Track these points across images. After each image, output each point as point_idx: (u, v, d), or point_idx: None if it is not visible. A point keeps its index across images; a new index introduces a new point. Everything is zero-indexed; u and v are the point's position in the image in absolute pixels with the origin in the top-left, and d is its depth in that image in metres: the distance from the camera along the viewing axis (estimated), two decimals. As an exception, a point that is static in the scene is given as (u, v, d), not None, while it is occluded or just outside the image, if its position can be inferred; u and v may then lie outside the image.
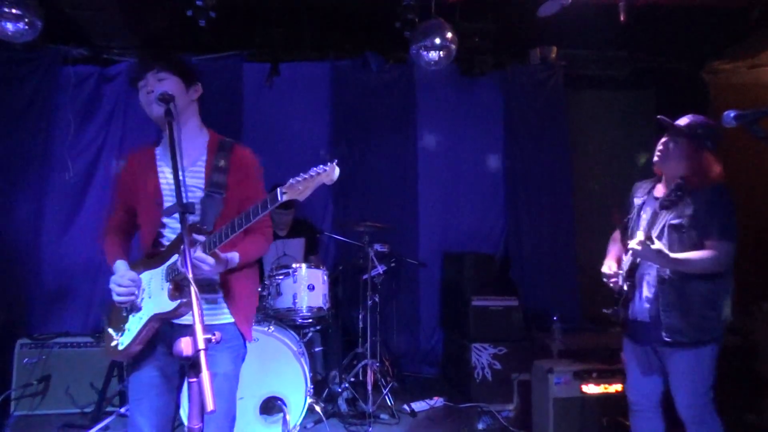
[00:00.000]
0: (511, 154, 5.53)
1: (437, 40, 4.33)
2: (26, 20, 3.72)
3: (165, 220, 2.14)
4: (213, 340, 1.72)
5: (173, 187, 1.99)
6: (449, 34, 4.36)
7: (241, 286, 2.18)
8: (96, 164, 4.89)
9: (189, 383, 1.67)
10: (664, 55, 5.54)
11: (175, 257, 2.03)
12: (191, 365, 1.67)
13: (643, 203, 2.71)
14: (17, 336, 4.14)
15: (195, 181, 2.14)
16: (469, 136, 5.58)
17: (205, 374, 1.59)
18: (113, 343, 2.11)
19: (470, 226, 5.52)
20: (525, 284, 5.25)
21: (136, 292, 2.08)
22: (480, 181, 5.59)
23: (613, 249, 2.88)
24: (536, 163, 5.43)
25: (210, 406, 1.57)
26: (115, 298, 2.09)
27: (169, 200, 2.12)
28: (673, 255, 2.41)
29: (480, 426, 3.95)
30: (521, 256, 5.40)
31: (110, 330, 2.15)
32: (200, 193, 2.11)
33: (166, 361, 2.11)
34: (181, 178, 1.95)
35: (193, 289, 1.71)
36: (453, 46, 4.39)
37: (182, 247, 1.83)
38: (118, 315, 2.15)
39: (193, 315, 1.65)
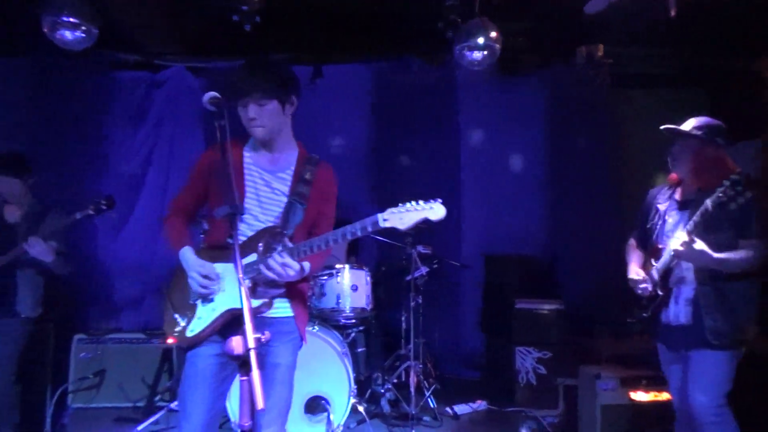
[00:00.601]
0: (555, 155, 5.44)
1: (481, 40, 4.29)
2: (83, 28, 3.86)
3: (245, 216, 2.19)
4: (262, 340, 1.76)
5: (258, 184, 2.20)
6: (493, 34, 4.31)
7: (301, 287, 2.29)
8: (147, 167, 5.06)
9: (240, 381, 1.71)
10: (716, 51, 5.35)
11: (253, 256, 2.11)
12: (242, 364, 1.71)
13: (667, 208, 2.71)
14: (74, 331, 4.32)
15: (281, 186, 2.23)
16: (511, 137, 5.51)
17: (255, 373, 1.62)
18: (178, 328, 2.17)
19: (513, 228, 5.45)
20: (570, 287, 5.14)
21: (213, 282, 2.13)
22: (523, 183, 5.52)
23: (634, 255, 2.90)
24: (581, 164, 5.33)
25: (260, 404, 1.60)
26: (195, 286, 2.14)
27: (251, 196, 2.21)
28: (716, 255, 2.40)
29: (523, 431, 3.90)
30: (566, 258, 5.30)
31: (176, 315, 2.20)
32: (284, 199, 2.21)
33: (223, 353, 2.17)
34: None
35: (244, 289, 1.76)
36: (497, 46, 4.34)
37: (263, 248, 2.06)
38: (184, 301, 2.20)
39: (243, 315, 1.69)
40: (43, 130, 4.90)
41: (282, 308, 2.22)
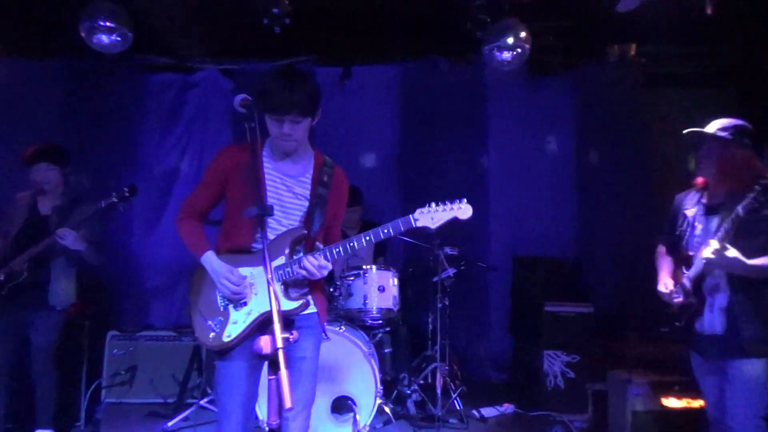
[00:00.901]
0: (585, 157, 5.36)
1: (510, 40, 4.27)
2: (119, 32, 3.98)
3: (267, 220, 2.19)
4: (291, 340, 1.79)
5: (280, 190, 2.25)
6: (523, 34, 4.29)
7: (321, 284, 2.37)
8: (179, 166, 5.17)
9: (268, 380, 1.74)
10: (750, 50, 5.20)
11: (282, 259, 2.18)
12: (270, 363, 1.73)
13: (696, 213, 2.63)
14: (108, 328, 4.43)
15: (302, 190, 2.29)
16: (540, 138, 5.46)
17: (283, 372, 1.65)
18: (212, 334, 2.20)
19: (541, 230, 5.39)
20: (599, 290, 5.07)
21: (243, 287, 2.18)
22: (551, 184, 5.46)
23: (664, 263, 2.81)
24: (611, 165, 5.24)
25: (288, 403, 1.63)
26: (226, 293, 2.18)
27: (272, 201, 2.24)
28: (749, 261, 2.33)
29: (551, 435, 3.86)
30: (595, 261, 5.23)
31: (209, 321, 2.22)
32: (306, 203, 2.27)
33: (252, 353, 2.19)
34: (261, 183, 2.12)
35: (272, 289, 1.80)
36: (527, 46, 4.32)
37: (289, 250, 2.15)
38: (212, 305, 2.24)
39: (272, 315, 1.72)
40: (79, 130, 5.05)
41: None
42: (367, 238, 2.13)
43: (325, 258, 2.14)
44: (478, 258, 4.94)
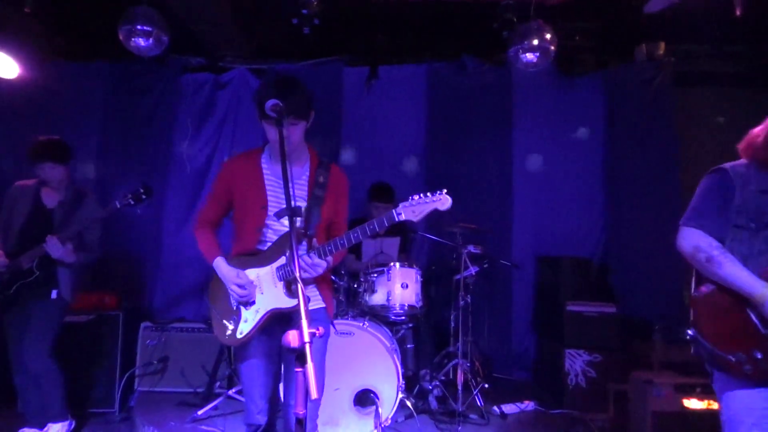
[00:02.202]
0: (613, 156, 5.34)
1: (536, 42, 4.28)
2: (154, 36, 4.12)
3: (269, 222, 2.38)
4: (317, 334, 1.87)
5: (278, 192, 2.37)
6: (548, 36, 4.30)
7: (327, 279, 2.55)
8: (210, 164, 5.30)
9: (295, 372, 1.82)
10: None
11: (282, 259, 2.33)
12: (298, 356, 1.82)
13: None
14: (141, 319, 4.59)
15: (299, 192, 2.43)
16: (567, 138, 5.45)
17: (309, 365, 1.73)
18: (228, 332, 2.42)
19: (566, 230, 5.39)
20: (625, 291, 5.06)
21: (249, 288, 2.38)
22: (578, 184, 5.44)
23: (741, 268, 1.95)
24: (640, 166, 5.20)
25: (314, 394, 1.71)
26: (234, 296, 2.39)
27: (273, 205, 2.37)
28: None
29: (571, 434, 3.88)
30: (622, 261, 5.20)
31: (224, 321, 2.44)
32: (303, 203, 2.39)
33: (270, 347, 2.42)
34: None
35: (300, 286, 1.89)
36: (552, 48, 4.32)
37: (290, 248, 2.11)
38: (226, 305, 2.45)
39: (299, 311, 1.81)
40: (119, 130, 5.24)
41: (314, 301, 2.44)
42: (356, 234, 2.23)
43: (318, 256, 2.26)
44: (502, 256, 4.97)
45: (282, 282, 2.34)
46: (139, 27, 4.02)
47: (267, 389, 2.44)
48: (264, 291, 2.37)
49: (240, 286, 2.36)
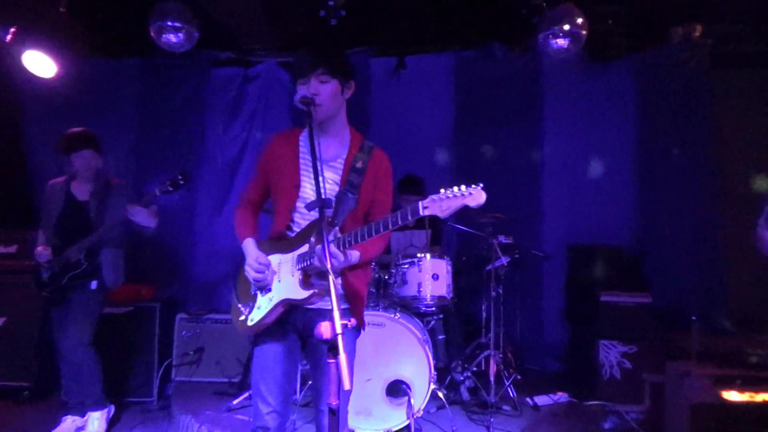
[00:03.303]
0: (646, 143, 5.21)
1: (566, 27, 4.20)
2: (185, 31, 4.17)
3: (298, 204, 2.24)
4: (349, 326, 1.87)
5: (312, 173, 2.14)
6: (579, 20, 4.21)
7: (355, 280, 2.27)
8: (241, 157, 5.37)
9: (327, 364, 1.83)
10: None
11: (305, 248, 2.16)
12: (330, 347, 1.83)
13: None
14: (177, 311, 4.68)
15: (332, 175, 2.25)
16: (598, 125, 5.33)
17: (342, 356, 1.73)
18: (241, 318, 2.29)
19: (598, 218, 5.29)
20: (659, 281, 4.95)
21: (266, 272, 2.22)
22: (609, 171, 5.33)
23: None
24: (675, 152, 5.07)
25: (347, 385, 1.71)
26: (250, 276, 2.24)
27: (306, 186, 2.23)
28: None
29: (606, 425, 3.83)
30: (656, 250, 5.09)
31: (240, 305, 2.32)
32: (336, 188, 2.22)
33: (290, 339, 2.28)
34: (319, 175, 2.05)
35: (332, 278, 1.83)
36: (583, 32, 4.23)
37: (315, 239, 2.08)
38: (247, 291, 2.31)
39: (331, 302, 1.76)
40: (150, 123, 5.35)
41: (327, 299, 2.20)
42: (377, 226, 2.04)
43: (336, 246, 2.07)
44: (533, 246, 4.91)
45: (299, 271, 2.17)
46: (169, 23, 4.08)
47: (280, 388, 2.24)
48: (282, 279, 2.22)
49: (253, 268, 2.21)
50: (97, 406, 3.71)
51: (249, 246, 2.29)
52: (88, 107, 5.05)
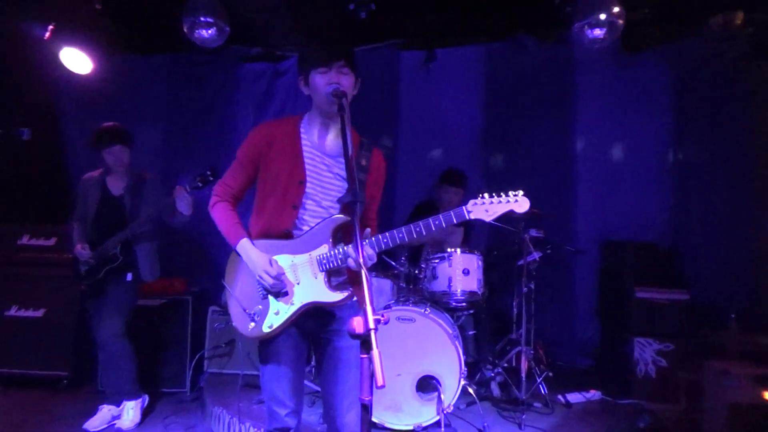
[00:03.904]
0: (682, 137, 5.07)
1: (602, 16, 4.09)
2: (216, 27, 4.21)
3: (305, 201, 2.15)
4: (382, 321, 1.85)
5: (319, 168, 2.16)
6: (616, 9, 4.10)
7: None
8: (269, 153, 5.38)
9: (361, 359, 1.82)
10: None
11: (324, 248, 2.11)
12: (363, 343, 1.82)
13: None
14: (209, 303, 4.73)
15: (341, 171, 2.21)
16: (633, 117, 5.20)
17: (375, 352, 1.71)
18: (251, 324, 2.16)
19: (632, 214, 5.17)
20: (696, 277, 4.81)
21: (285, 281, 2.14)
22: (644, 166, 5.20)
23: None
24: (713, 147, 4.90)
25: (380, 381, 1.68)
26: (264, 285, 2.13)
27: (313, 182, 2.15)
28: None
29: (641, 424, 3.75)
30: (692, 246, 4.95)
31: (247, 311, 2.17)
32: (345, 184, 2.17)
33: (299, 338, 2.22)
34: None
35: (364, 273, 1.79)
36: (620, 21, 4.12)
37: (333, 239, 2.05)
38: (252, 295, 2.18)
39: (364, 297, 1.73)
40: (179, 119, 5.41)
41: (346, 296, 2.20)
42: (417, 229, 2.03)
43: (372, 248, 2.05)
44: (565, 241, 4.83)
45: (323, 273, 2.12)
46: (202, 18, 4.12)
47: (296, 388, 2.21)
48: (301, 281, 2.13)
49: (270, 275, 2.10)
50: (131, 396, 3.79)
51: (250, 248, 2.15)
52: (121, 103, 5.13)
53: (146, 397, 3.94)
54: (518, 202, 2.03)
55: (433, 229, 2.03)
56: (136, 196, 3.79)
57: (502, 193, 2.04)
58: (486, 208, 2.03)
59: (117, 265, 3.72)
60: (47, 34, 4.13)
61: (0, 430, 3.68)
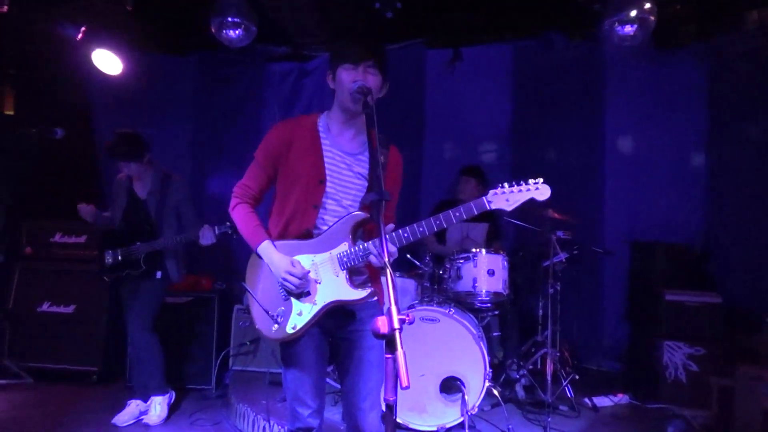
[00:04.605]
0: (716, 136, 4.94)
1: (633, 13, 4.01)
2: (244, 26, 4.25)
3: (326, 200, 2.12)
4: (406, 321, 1.83)
5: (340, 167, 2.13)
6: (647, 5, 4.01)
7: (378, 270, 2.16)
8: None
9: (386, 359, 1.81)
10: None
11: (344, 246, 2.08)
12: (387, 343, 1.80)
13: None
14: (235, 302, 4.78)
15: (361, 169, 2.18)
16: (664, 117, 5.09)
17: (400, 352, 1.68)
18: (275, 327, 2.13)
19: (663, 215, 5.07)
20: (728, 279, 4.70)
21: (308, 282, 2.11)
22: (676, 167, 5.09)
23: None
24: (748, 147, 4.77)
25: (405, 382, 1.66)
26: (288, 286, 2.10)
27: (335, 181, 2.13)
28: None
29: (670, 430, 3.66)
30: (724, 248, 4.83)
31: (270, 312, 2.14)
32: (364, 183, 2.16)
33: (321, 339, 2.19)
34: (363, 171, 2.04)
35: (389, 271, 1.74)
36: (651, 18, 4.03)
37: (353, 236, 2.03)
38: (273, 296, 2.15)
39: (388, 297, 1.69)
40: (207, 118, 5.48)
41: (366, 294, 2.15)
42: (438, 222, 1.99)
43: (393, 243, 2.01)
44: (592, 242, 4.76)
45: (345, 271, 2.09)
46: (229, 19, 4.16)
47: (318, 389, 2.19)
48: (322, 281, 2.11)
49: (295, 276, 2.06)
50: (159, 391, 3.85)
51: (272, 251, 2.12)
52: (150, 103, 5.23)
53: (173, 393, 3.99)
54: (539, 190, 2.00)
55: (454, 220, 2.00)
56: (160, 199, 3.84)
57: (522, 182, 2.01)
58: (507, 197, 2.01)
59: (138, 272, 3.76)
60: (80, 36, 4.21)
61: (31, 423, 3.77)
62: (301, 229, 2.14)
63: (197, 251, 3.92)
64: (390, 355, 1.77)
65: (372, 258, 2.04)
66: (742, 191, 4.80)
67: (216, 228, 3.63)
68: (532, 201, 2.01)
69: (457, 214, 2.00)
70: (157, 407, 3.83)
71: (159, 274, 3.82)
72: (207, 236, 3.64)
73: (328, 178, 2.12)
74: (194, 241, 3.73)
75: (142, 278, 3.79)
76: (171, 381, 3.99)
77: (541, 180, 2.01)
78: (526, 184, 2.01)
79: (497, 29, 5.23)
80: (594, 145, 5.16)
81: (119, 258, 3.80)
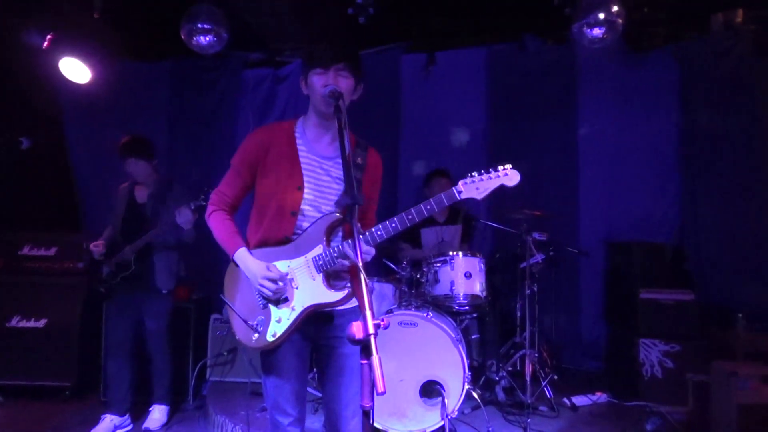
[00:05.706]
0: (689, 136, 5.03)
1: (601, 16, 4.08)
2: (214, 32, 4.21)
3: (304, 206, 2.10)
4: (381, 326, 1.81)
5: (317, 173, 2.11)
6: (615, 8, 4.08)
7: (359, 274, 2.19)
8: (272, 158, 5.39)
9: (361, 365, 1.79)
10: None
11: (319, 248, 2.06)
12: (363, 348, 1.78)
13: None
14: (211, 311, 4.71)
15: (339, 173, 2.15)
16: (637, 117, 5.16)
17: (375, 357, 1.67)
18: (255, 336, 2.10)
19: (638, 214, 5.14)
20: (702, 277, 4.78)
21: (285, 287, 2.08)
22: (650, 166, 5.16)
23: None
24: (718, 145, 4.87)
25: (380, 387, 1.64)
26: (265, 293, 2.07)
27: (310, 187, 2.11)
28: None
29: (648, 427, 3.70)
30: (699, 246, 4.91)
31: (249, 322, 2.12)
32: (343, 186, 2.12)
33: (302, 346, 2.16)
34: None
35: (363, 276, 1.73)
36: (619, 21, 4.10)
37: (328, 238, 2.00)
38: (251, 305, 2.13)
39: (363, 301, 1.67)
40: (182, 125, 5.41)
41: (347, 301, 2.13)
42: (410, 216, 1.98)
43: (367, 242, 1.99)
44: (569, 243, 4.80)
45: (321, 274, 2.07)
46: (199, 25, 4.12)
47: (299, 397, 2.16)
48: (300, 285, 2.08)
49: (272, 281, 2.04)
50: (162, 401, 3.93)
51: (248, 257, 2.10)
52: (124, 110, 5.14)
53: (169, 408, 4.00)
54: (508, 176, 1.99)
55: (426, 213, 1.98)
56: (159, 204, 3.81)
57: (491, 169, 1.99)
58: (476, 185, 1.99)
59: (130, 273, 3.72)
60: (45, 44, 4.13)
61: (3, 440, 3.67)
62: (280, 237, 2.11)
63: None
64: (365, 361, 1.75)
65: (348, 253, 2.01)
66: (715, 190, 4.89)
67: (192, 204, 3.49)
68: (503, 187, 2.00)
69: (428, 206, 1.99)
70: (157, 413, 3.90)
71: (165, 290, 3.84)
72: (184, 214, 3.53)
73: (306, 184, 2.11)
74: (185, 245, 3.73)
75: (136, 287, 3.75)
76: (145, 394, 3.92)
77: (510, 166, 1.99)
78: (495, 171, 2.00)
79: (471, 33, 5.27)
80: (569, 147, 5.22)
81: (114, 266, 3.77)
